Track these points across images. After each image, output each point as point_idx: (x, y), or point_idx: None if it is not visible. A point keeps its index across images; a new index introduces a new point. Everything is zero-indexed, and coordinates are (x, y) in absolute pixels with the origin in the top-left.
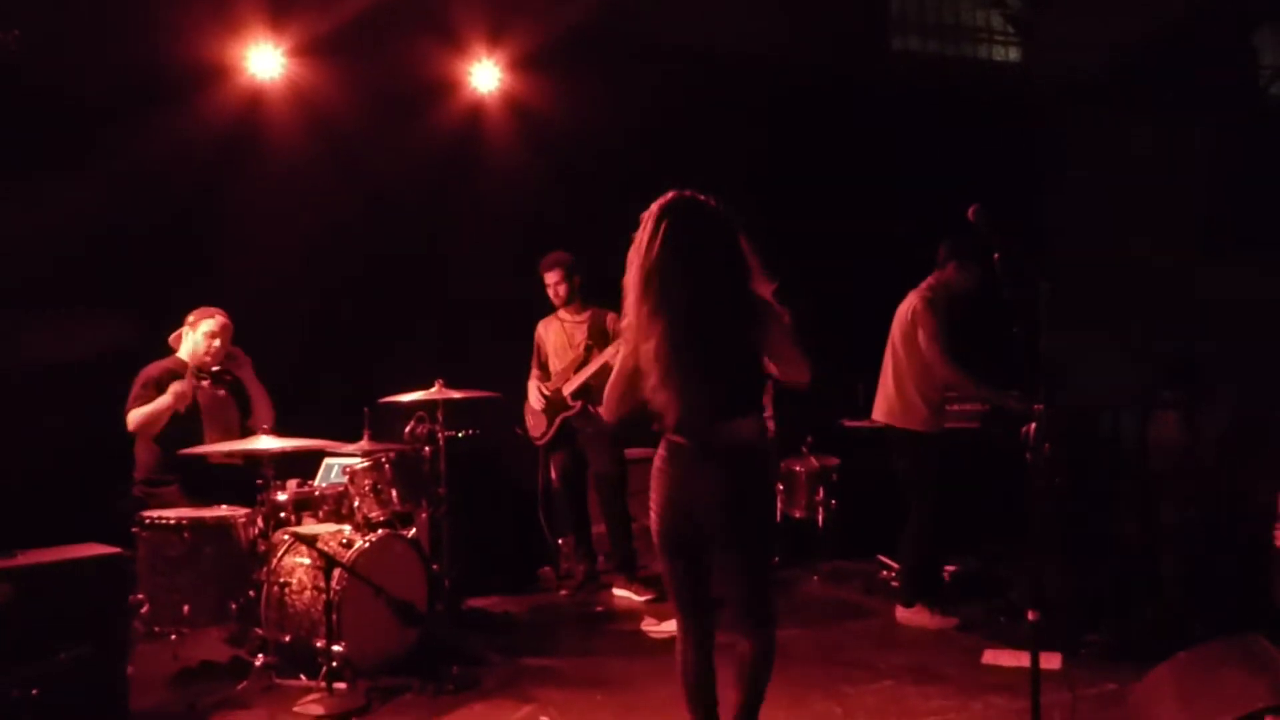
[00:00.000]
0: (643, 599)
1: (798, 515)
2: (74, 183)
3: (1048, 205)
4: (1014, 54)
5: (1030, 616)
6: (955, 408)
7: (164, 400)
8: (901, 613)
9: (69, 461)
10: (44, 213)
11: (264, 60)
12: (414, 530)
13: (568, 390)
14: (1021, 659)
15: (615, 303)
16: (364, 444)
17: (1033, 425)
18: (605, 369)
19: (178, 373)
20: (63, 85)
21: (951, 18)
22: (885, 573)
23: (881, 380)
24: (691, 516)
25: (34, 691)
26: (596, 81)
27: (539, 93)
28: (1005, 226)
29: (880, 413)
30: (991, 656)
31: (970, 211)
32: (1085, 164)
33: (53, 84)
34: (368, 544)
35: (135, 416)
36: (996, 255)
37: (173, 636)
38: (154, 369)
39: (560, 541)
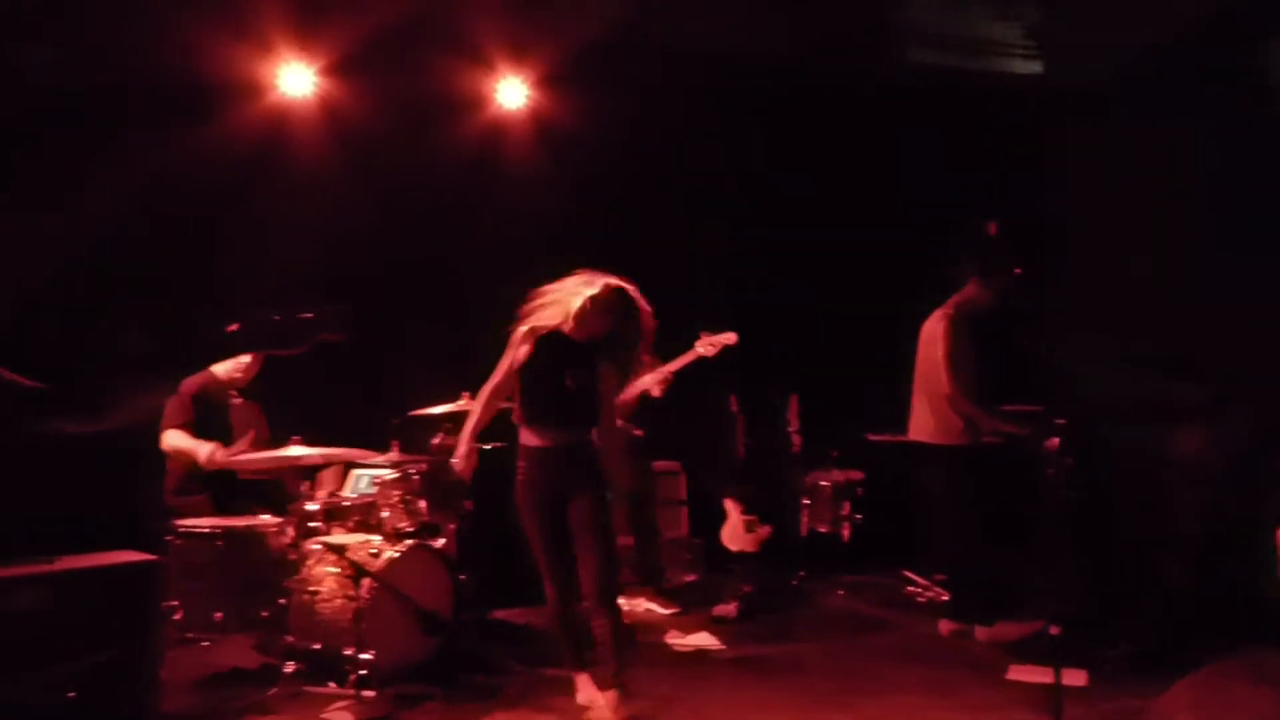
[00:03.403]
0: (668, 612)
1: (822, 529)
2: (107, 196)
3: (1058, 216)
4: (1028, 66)
5: (1052, 631)
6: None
7: (200, 451)
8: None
9: (105, 470)
10: (80, 224)
11: (295, 79)
12: (441, 541)
13: None
14: (1047, 675)
15: None
16: (392, 455)
17: (1055, 440)
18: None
19: (214, 391)
20: (100, 101)
21: (963, 29)
22: (910, 588)
23: (914, 399)
24: None
25: (70, 694)
26: (619, 95)
27: (563, 107)
28: (1023, 240)
29: (915, 431)
30: (1017, 673)
31: (991, 227)
32: (1097, 175)
33: (91, 99)
34: (396, 554)
35: (170, 440)
36: (1018, 270)
37: (204, 643)
38: (192, 384)
39: None
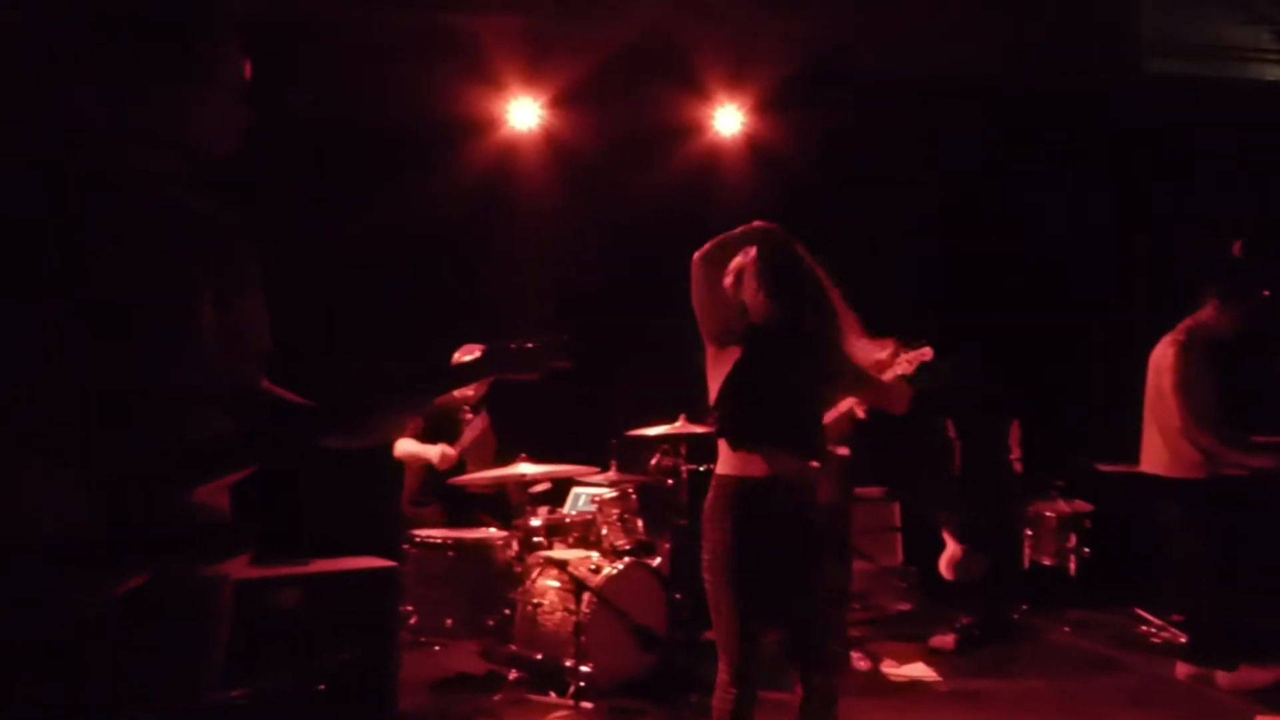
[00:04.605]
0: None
1: (1046, 562)
2: (350, 229)
3: None
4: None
5: None
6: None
7: (431, 454)
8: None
9: (352, 481)
10: (324, 256)
11: (522, 113)
12: (657, 559)
13: None
14: None
15: None
16: (611, 474)
17: None
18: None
19: (446, 405)
20: (350, 138)
21: (1209, 37)
22: (1143, 628)
23: (1145, 429)
24: None
25: (320, 687)
26: (834, 117)
27: (775, 132)
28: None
29: (1147, 462)
30: None
31: (1236, 247)
32: None
33: (338, 139)
34: (615, 570)
35: (403, 448)
36: (1266, 292)
37: (436, 647)
38: None
39: None
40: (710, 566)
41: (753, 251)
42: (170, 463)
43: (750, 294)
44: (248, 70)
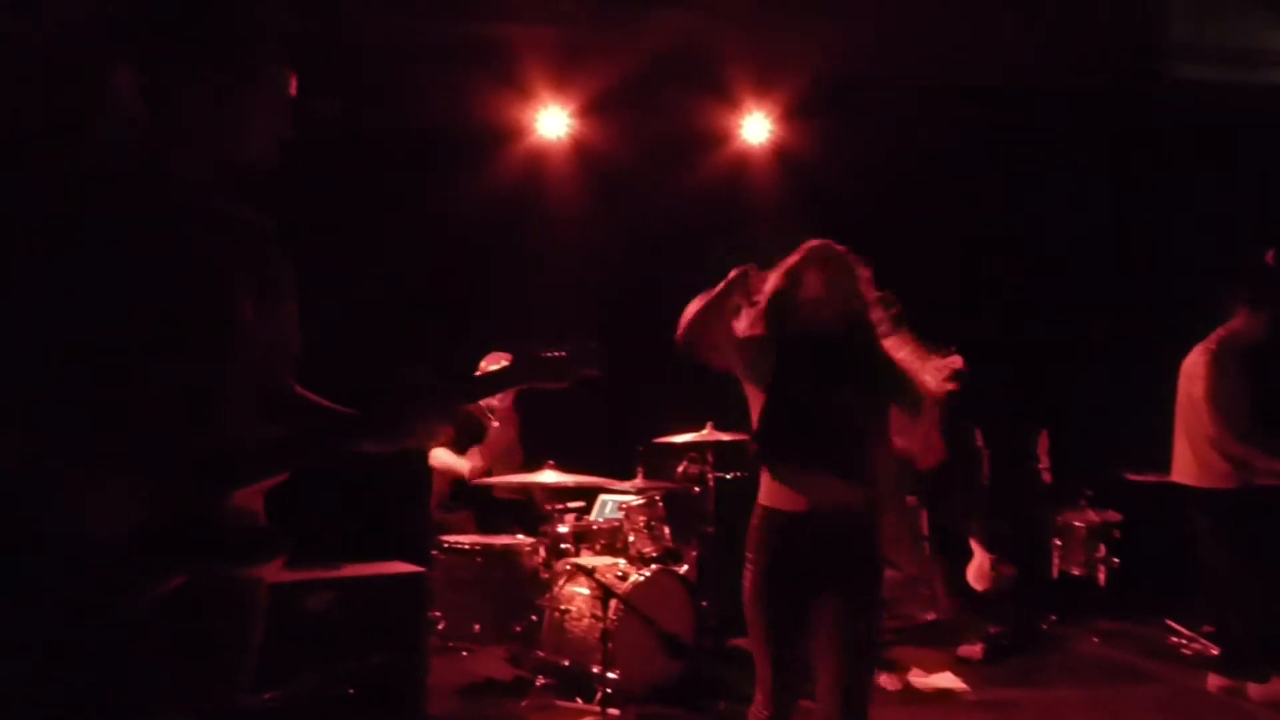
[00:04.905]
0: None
1: (1075, 572)
2: (380, 235)
3: None
4: None
5: None
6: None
7: (462, 466)
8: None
9: (384, 486)
10: (354, 262)
11: (551, 122)
12: (684, 567)
13: None
14: None
15: None
16: (638, 482)
17: None
18: None
19: (474, 412)
20: (375, 147)
21: (1237, 40)
22: (1174, 639)
23: (1176, 437)
24: None
25: (350, 690)
26: (864, 125)
27: (805, 140)
28: None
29: (1177, 472)
30: None
31: (1269, 255)
32: None
33: (369, 146)
34: (642, 578)
35: (437, 458)
36: None
37: (463, 652)
38: None
39: None
40: (746, 593)
41: (808, 248)
42: (212, 466)
43: (814, 289)
44: (293, 85)
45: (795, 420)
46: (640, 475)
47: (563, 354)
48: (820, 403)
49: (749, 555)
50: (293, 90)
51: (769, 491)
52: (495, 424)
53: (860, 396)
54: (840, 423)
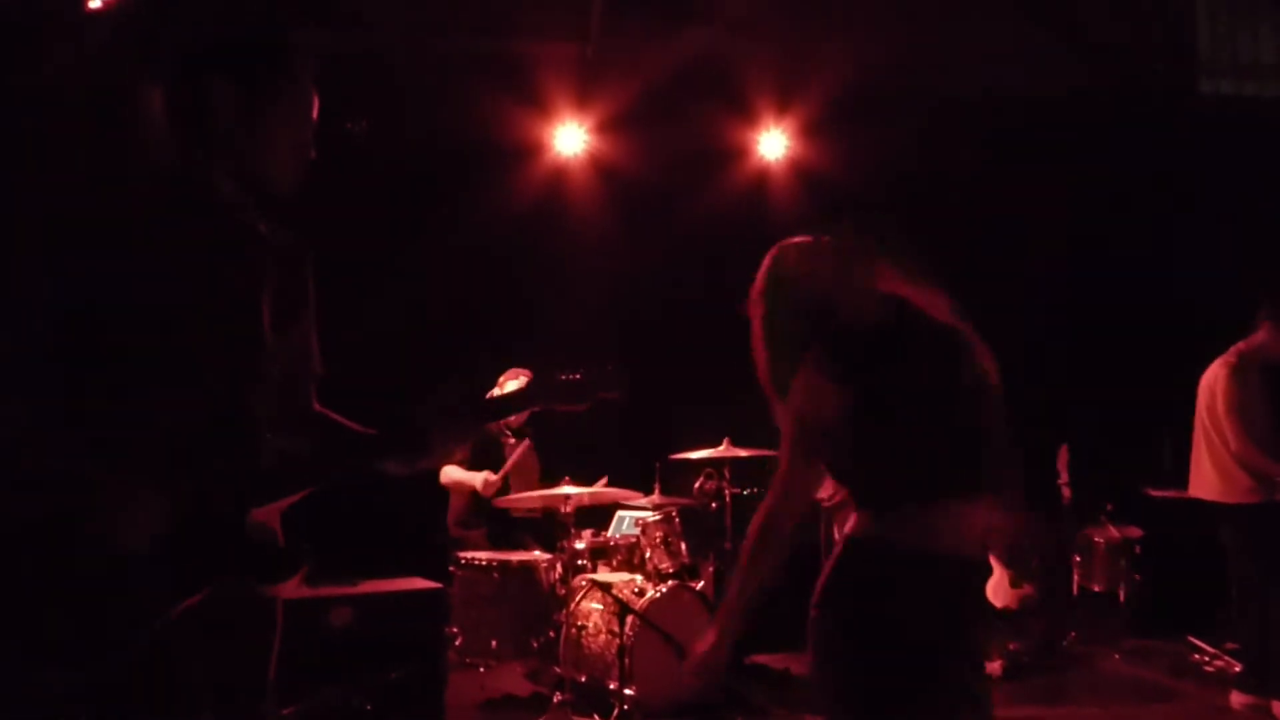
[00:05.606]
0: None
1: (1096, 589)
2: (399, 252)
3: None
4: None
5: None
6: None
7: (475, 480)
8: None
9: (402, 503)
10: (373, 280)
11: (568, 138)
12: (701, 583)
13: None
14: None
15: None
16: (655, 498)
17: None
18: None
19: (488, 432)
20: (396, 166)
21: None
22: (1196, 655)
23: (1194, 453)
24: None
25: (368, 706)
26: (880, 139)
27: (824, 155)
28: None
29: (1197, 487)
30: None
31: None
32: None
33: (388, 165)
34: (659, 594)
35: (449, 474)
36: None
37: (481, 668)
38: None
39: None
40: (884, 691)
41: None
42: (236, 482)
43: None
44: (316, 106)
45: (905, 423)
46: (657, 491)
47: (582, 376)
48: (934, 398)
49: (892, 633)
50: (316, 109)
51: (922, 531)
52: (511, 441)
53: (977, 384)
54: (961, 423)
